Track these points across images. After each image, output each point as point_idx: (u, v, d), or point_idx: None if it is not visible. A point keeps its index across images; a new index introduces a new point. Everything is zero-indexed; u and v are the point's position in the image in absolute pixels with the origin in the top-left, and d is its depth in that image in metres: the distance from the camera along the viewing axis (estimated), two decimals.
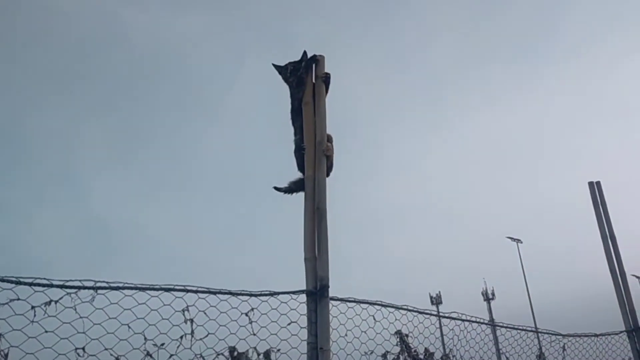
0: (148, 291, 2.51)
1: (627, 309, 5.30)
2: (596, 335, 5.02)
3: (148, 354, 2.46)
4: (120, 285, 2.44)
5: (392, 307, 3.43)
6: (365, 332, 3.27)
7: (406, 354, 3.44)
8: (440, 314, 3.73)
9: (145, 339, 2.47)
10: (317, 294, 2.99)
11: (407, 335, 3.48)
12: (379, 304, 3.35)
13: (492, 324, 4.06)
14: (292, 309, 2.94)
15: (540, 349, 4.50)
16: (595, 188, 5.63)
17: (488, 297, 39.12)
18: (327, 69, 3.39)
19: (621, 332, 5.22)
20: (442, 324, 3.75)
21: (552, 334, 4.62)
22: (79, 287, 2.34)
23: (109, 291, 2.41)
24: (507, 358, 4.22)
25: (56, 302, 2.30)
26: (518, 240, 35.67)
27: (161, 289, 2.55)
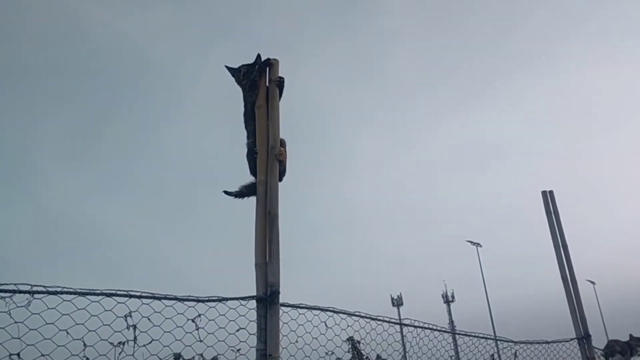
0: (88, 296, 2.43)
1: (578, 315, 5.41)
2: (547, 342, 5.09)
3: None
4: (59, 289, 2.35)
5: (345, 313, 3.41)
6: (316, 338, 3.24)
7: None
8: (392, 320, 3.71)
9: (84, 345, 2.38)
10: (267, 300, 2.95)
11: (359, 342, 3.46)
12: (331, 310, 3.32)
13: (445, 330, 4.07)
14: (241, 315, 2.89)
15: (492, 355, 4.54)
16: (548, 197, 5.74)
17: (448, 300, 39.69)
18: (284, 72, 3.36)
19: (572, 339, 5.32)
20: (400, 330, 3.74)
21: (505, 341, 4.67)
22: (14, 291, 2.24)
23: (46, 296, 2.32)
24: None
25: None
26: (478, 244, 36.31)
27: (102, 294, 2.47)
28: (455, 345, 4.48)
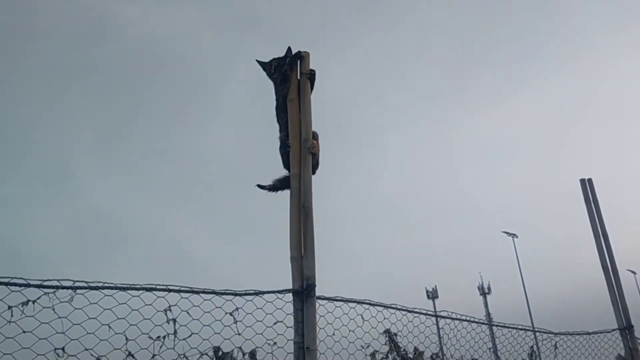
0: (129, 291, 2.47)
1: (620, 306, 5.28)
2: (588, 334, 4.99)
3: (130, 354, 2.42)
4: (100, 285, 2.40)
5: (381, 305, 3.40)
6: (353, 331, 3.23)
7: (395, 353, 3.41)
8: (429, 312, 3.68)
9: (126, 339, 2.43)
10: (304, 293, 2.96)
11: (395, 334, 3.44)
12: (367, 303, 3.31)
13: (483, 322, 4.03)
14: (278, 309, 2.91)
15: (532, 347, 4.47)
16: (587, 185, 5.61)
17: (484, 292, 39.28)
18: (315, 65, 3.35)
19: (614, 330, 5.20)
20: (435, 323, 3.71)
21: (544, 332, 4.59)
22: (57, 287, 2.29)
23: (88, 291, 2.37)
24: (497, 357, 4.19)
25: (34, 302, 2.26)
26: (514, 235, 35.79)
27: (142, 288, 2.51)
28: (493, 337, 4.44)
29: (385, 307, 3.42)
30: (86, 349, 2.32)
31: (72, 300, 2.32)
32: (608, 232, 5.48)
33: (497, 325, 4.20)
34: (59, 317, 2.28)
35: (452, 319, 3.81)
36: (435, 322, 3.72)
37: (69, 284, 2.32)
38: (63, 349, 2.27)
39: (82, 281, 2.35)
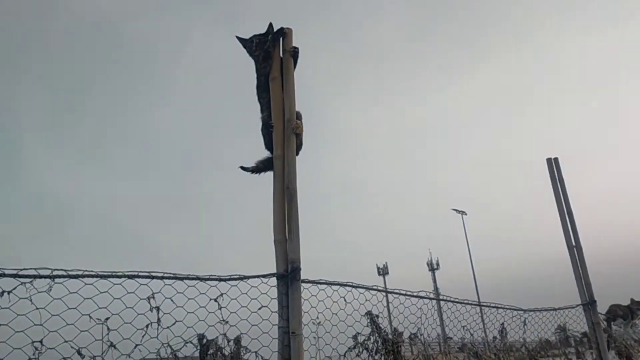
0: (110, 279, 2.33)
1: (583, 282, 5.42)
2: (555, 309, 5.11)
3: (112, 345, 2.30)
4: (80, 273, 2.25)
5: (363, 287, 3.35)
6: (336, 314, 3.19)
7: (377, 334, 3.38)
8: (408, 292, 3.67)
9: (108, 329, 2.30)
10: (289, 277, 2.88)
11: (377, 316, 3.42)
12: (349, 285, 3.27)
13: (459, 301, 4.05)
14: (262, 293, 2.82)
15: (502, 324, 4.54)
16: (553, 164, 5.69)
17: (433, 267, 40.29)
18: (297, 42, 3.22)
19: (578, 305, 5.35)
20: (415, 303, 3.69)
21: (515, 309, 4.67)
22: (34, 276, 2.14)
23: (67, 280, 2.22)
24: (471, 334, 4.23)
25: (9, 292, 2.11)
26: (463, 212, 36.61)
27: (124, 275, 2.37)
28: (440, 314, 4.43)
29: (367, 288, 3.38)
30: (66, 341, 2.19)
31: (50, 290, 2.17)
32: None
33: (470, 304, 4.23)
34: (37, 308, 2.14)
35: (430, 298, 3.81)
36: (415, 303, 3.71)
37: (47, 272, 2.17)
38: (41, 341, 2.13)
39: (61, 269, 2.20)
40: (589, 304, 5.35)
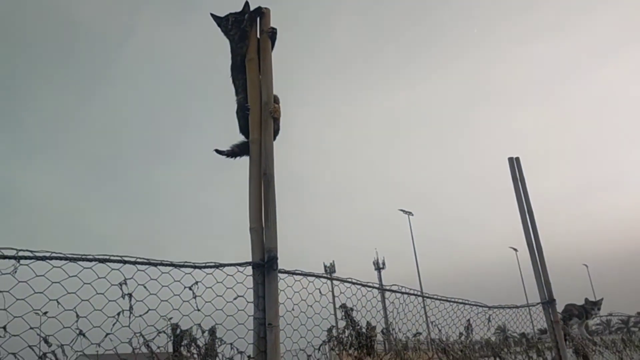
0: (80, 262, 2.17)
1: (543, 281, 5.50)
2: (517, 307, 5.17)
3: (81, 333, 2.12)
4: (47, 254, 2.08)
5: (337, 280, 3.27)
6: (311, 306, 3.08)
7: (351, 328, 3.30)
8: (384, 286, 3.61)
9: (77, 316, 2.12)
10: (265, 266, 2.76)
11: (352, 309, 3.33)
12: (324, 277, 3.18)
13: (428, 296, 4.02)
14: (238, 282, 2.70)
15: (468, 320, 4.54)
16: (514, 163, 5.77)
17: (379, 267, 40.72)
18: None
19: (538, 303, 5.42)
20: (387, 297, 3.63)
21: (480, 306, 4.67)
22: None
23: (33, 261, 2.04)
24: (439, 330, 4.21)
25: None
26: (409, 213, 37.15)
27: (95, 259, 2.21)
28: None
29: (342, 281, 3.30)
30: (32, 328, 2.00)
31: (15, 272, 1.98)
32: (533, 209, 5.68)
33: (439, 299, 4.20)
34: (0, 291, 1.95)
35: (402, 292, 3.76)
36: (388, 297, 3.65)
37: (12, 253, 1.98)
38: (5, 327, 1.95)
39: (27, 250, 2.02)
40: (548, 303, 5.44)
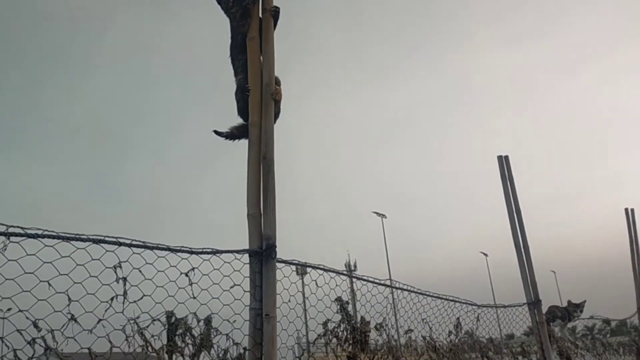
0: (73, 242, 2.03)
1: (529, 281, 5.47)
2: (505, 307, 5.14)
3: (73, 318, 1.98)
4: (39, 232, 1.93)
5: (334, 271, 3.17)
6: (307, 298, 2.98)
7: (346, 322, 3.20)
8: (376, 280, 3.52)
9: (69, 299, 1.99)
10: (263, 254, 2.65)
11: (347, 303, 3.23)
12: (320, 268, 3.08)
13: (420, 292, 3.93)
14: (235, 270, 2.58)
15: (458, 318, 4.48)
16: (503, 162, 5.73)
17: (350, 269, 40.70)
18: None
19: (524, 304, 5.39)
20: (381, 292, 3.54)
21: (470, 304, 4.62)
22: None
23: (24, 239, 1.90)
24: (430, 327, 4.14)
25: None
26: (383, 215, 37.15)
27: (89, 239, 2.07)
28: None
29: (338, 273, 3.20)
30: (21, 310, 1.86)
31: (4, 249, 1.84)
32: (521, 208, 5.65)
33: (431, 296, 4.13)
34: None
35: (396, 288, 3.68)
36: (382, 291, 3.56)
37: (2, 229, 1.84)
38: None
39: (18, 226, 1.88)
40: (533, 303, 5.41)
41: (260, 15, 2.95)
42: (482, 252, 42.61)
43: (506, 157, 5.75)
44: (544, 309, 5.89)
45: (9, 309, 1.86)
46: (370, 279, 3.46)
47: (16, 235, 1.87)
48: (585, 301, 6.58)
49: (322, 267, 3.07)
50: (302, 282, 3.02)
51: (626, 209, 8.21)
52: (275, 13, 2.90)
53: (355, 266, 40.53)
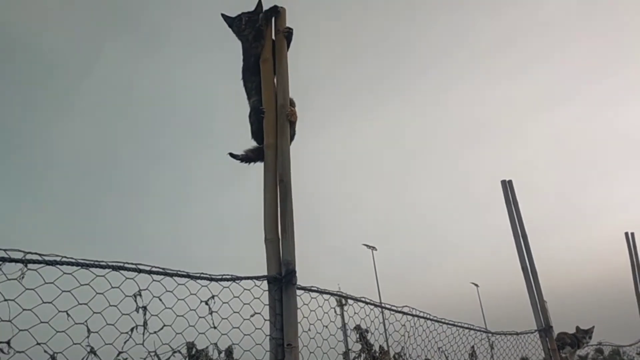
0: (92, 269, 1.92)
1: (539, 307, 5.37)
2: (517, 334, 5.02)
3: (92, 352, 1.86)
4: (58, 259, 1.83)
5: (352, 298, 3.07)
6: (327, 326, 2.86)
7: (367, 352, 3.08)
8: (394, 307, 3.40)
9: (88, 331, 1.87)
10: (283, 280, 2.54)
11: (367, 331, 3.12)
12: (339, 295, 2.97)
13: (439, 320, 3.82)
14: (255, 298, 2.47)
15: (472, 347, 4.37)
16: (507, 186, 5.70)
17: (341, 303, 40.08)
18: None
19: (535, 330, 5.28)
20: (392, 320, 3.42)
21: (483, 332, 4.51)
22: (3, 259, 1.70)
23: (43, 266, 1.79)
24: (446, 357, 4.01)
25: None
26: (373, 248, 36.90)
27: (109, 266, 1.96)
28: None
29: (356, 300, 3.10)
30: (38, 343, 1.74)
31: (22, 277, 1.73)
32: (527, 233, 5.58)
33: (447, 324, 4.02)
34: (5, 300, 1.69)
35: (413, 315, 3.57)
36: (399, 319, 3.45)
37: (19, 255, 1.73)
38: (9, 342, 1.68)
39: (35, 253, 1.77)
40: (544, 330, 5.30)
41: (273, 36, 2.91)
42: (473, 283, 42.36)
43: (509, 182, 5.72)
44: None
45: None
46: (387, 306, 3.35)
47: (34, 262, 1.76)
48: (593, 327, 6.45)
49: (340, 293, 2.97)
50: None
51: (626, 233, 8.19)
52: (288, 34, 2.86)
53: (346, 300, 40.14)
